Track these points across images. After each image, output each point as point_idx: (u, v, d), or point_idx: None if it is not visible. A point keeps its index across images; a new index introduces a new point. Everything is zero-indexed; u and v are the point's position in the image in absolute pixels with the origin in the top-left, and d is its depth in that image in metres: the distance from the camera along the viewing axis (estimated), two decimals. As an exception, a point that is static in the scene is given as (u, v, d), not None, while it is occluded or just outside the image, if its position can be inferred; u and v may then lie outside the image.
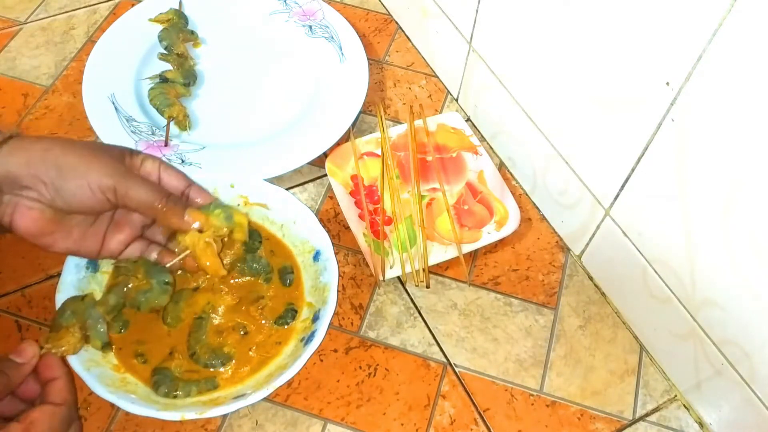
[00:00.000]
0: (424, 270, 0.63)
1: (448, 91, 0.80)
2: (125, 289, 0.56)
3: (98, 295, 0.57)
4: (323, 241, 0.60)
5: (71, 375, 0.48)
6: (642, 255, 0.59)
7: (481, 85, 0.74)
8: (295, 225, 0.62)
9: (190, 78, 0.74)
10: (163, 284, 0.56)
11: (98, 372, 0.52)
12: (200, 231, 0.52)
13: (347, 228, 0.68)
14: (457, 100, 0.79)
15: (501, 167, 0.74)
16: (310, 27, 0.81)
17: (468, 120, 0.78)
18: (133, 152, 0.52)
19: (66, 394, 0.46)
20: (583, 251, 0.67)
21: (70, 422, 0.45)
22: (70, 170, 0.46)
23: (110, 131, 0.69)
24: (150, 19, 0.78)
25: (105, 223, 0.53)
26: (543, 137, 0.66)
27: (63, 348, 0.51)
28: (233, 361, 0.56)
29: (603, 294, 0.66)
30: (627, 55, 0.52)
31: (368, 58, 0.78)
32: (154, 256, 0.55)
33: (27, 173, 0.46)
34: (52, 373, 0.47)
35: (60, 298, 0.55)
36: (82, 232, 0.51)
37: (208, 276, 0.60)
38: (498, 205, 0.68)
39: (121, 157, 0.50)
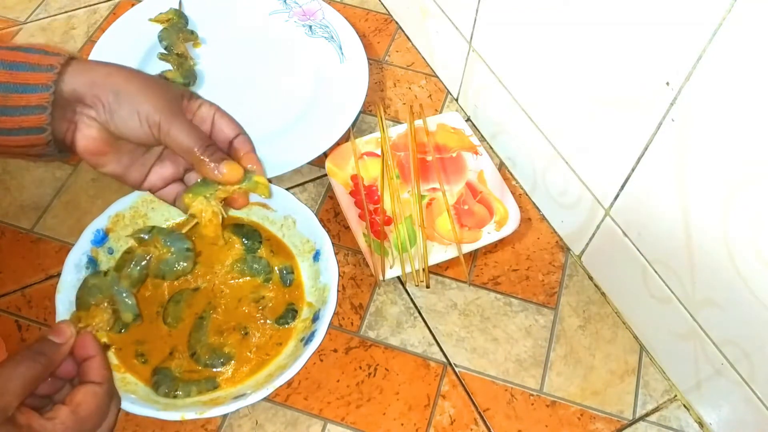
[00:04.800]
0: (424, 270, 0.63)
1: (448, 91, 0.80)
2: (147, 259, 0.55)
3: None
4: (323, 241, 0.60)
5: (105, 353, 0.49)
6: (642, 255, 0.59)
7: (481, 85, 0.74)
8: (295, 225, 0.62)
9: (190, 78, 0.74)
10: (184, 251, 0.56)
11: (98, 372, 0.52)
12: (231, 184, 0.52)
13: (347, 228, 0.68)
14: (457, 100, 0.79)
15: (501, 167, 0.74)
16: (310, 27, 0.81)
17: (468, 120, 0.78)
18: (192, 96, 0.53)
19: (105, 372, 0.47)
20: (583, 251, 0.67)
21: (111, 398, 0.46)
22: (126, 97, 0.48)
23: (110, 131, 0.69)
24: (150, 19, 0.78)
25: (154, 156, 0.54)
26: (543, 137, 0.66)
27: (98, 325, 0.51)
28: (233, 361, 0.56)
29: (603, 294, 0.66)
30: (627, 55, 0.52)
31: (368, 58, 0.78)
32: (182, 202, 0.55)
33: (90, 93, 0.48)
34: (88, 351, 0.47)
35: (60, 298, 0.55)
36: (131, 161, 0.53)
37: (208, 277, 0.60)
38: (498, 205, 0.68)
39: (180, 97, 0.51)
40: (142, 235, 0.56)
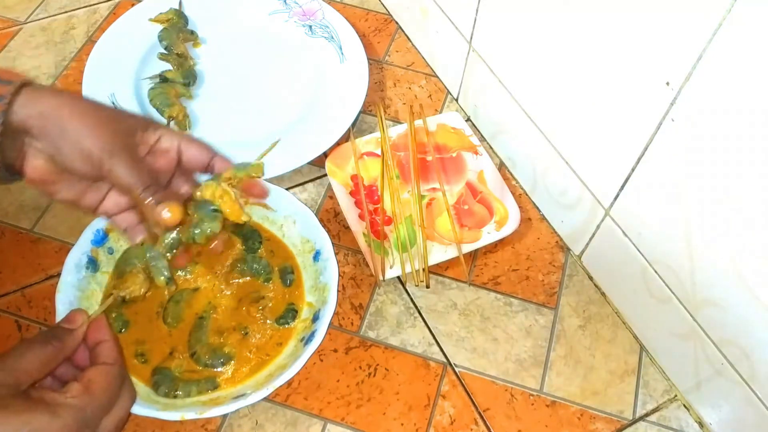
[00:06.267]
0: (424, 270, 0.63)
1: (448, 91, 0.80)
2: (179, 226, 0.55)
3: (97, 296, 0.57)
4: (323, 241, 0.60)
5: (117, 337, 0.49)
6: (642, 255, 0.59)
7: (481, 85, 0.74)
8: (295, 225, 0.62)
9: (190, 78, 0.74)
10: (211, 213, 0.56)
11: (98, 372, 0.52)
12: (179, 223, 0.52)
13: (347, 228, 0.68)
14: (457, 100, 0.79)
15: (501, 167, 0.74)
16: (310, 27, 0.81)
17: (468, 120, 0.78)
18: (150, 126, 0.52)
19: (116, 354, 0.47)
20: (583, 251, 0.67)
21: (122, 380, 0.47)
22: (69, 133, 0.47)
23: (110, 131, 0.69)
24: (150, 19, 0.78)
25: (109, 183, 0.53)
26: (543, 137, 0.66)
27: (130, 290, 0.53)
28: (233, 361, 0.56)
29: (603, 294, 0.66)
30: (627, 55, 0.52)
31: (368, 58, 0.78)
32: (138, 237, 0.54)
33: (38, 125, 0.47)
34: (101, 336, 0.48)
35: (60, 298, 0.55)
36: (84, 187, 0.52)
37: (208, 277, 0.60)
38: (498, 205, 0.68)
39: (132, 130, 0.50)
40: None
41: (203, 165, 0.53)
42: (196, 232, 0.56)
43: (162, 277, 0.54)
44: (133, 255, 0.57)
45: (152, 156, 0.52)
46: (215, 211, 0.56)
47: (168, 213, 0.50)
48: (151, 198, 0.49)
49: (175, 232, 0.56)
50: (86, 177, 0.50)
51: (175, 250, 0.56)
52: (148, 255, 0.54)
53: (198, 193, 0.56)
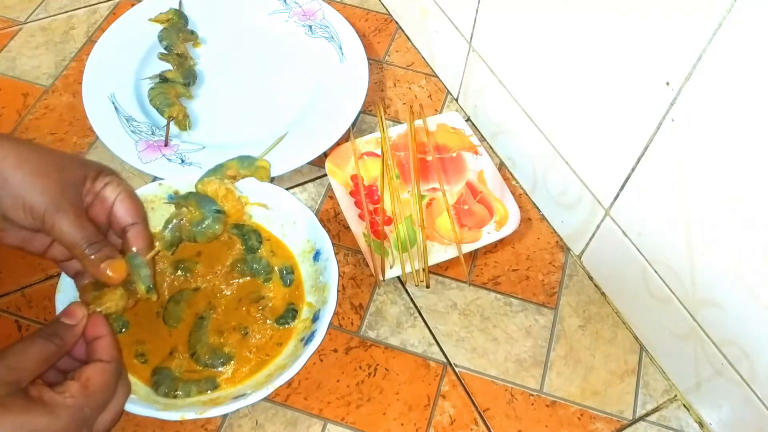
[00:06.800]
0: (424, 270, 0.63)
1: (448, 91, 0.80)
2: (180, 222, 0.56)
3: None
4: (323, 241, 0.60)
5: (114, 332, 0.49)
6: (642, 255, 0.59)
7: (481, 85, 0.74)
8: (295, 225, 0.62)
9: (190, 78, 0.74)
10: (214, 213, 0.56)
11: (98, 372, 0.52)
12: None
13: (347, 228, 0.68)
14: (457, 100, 0.79)
15: (501, 167, 0.74)
16: (310, 27, 0.81)
17: (468, 120, 0.78)
18: (101, 174, 0.51)
19: (113, 351, 0.47)
20: (583, 251, 0.67)
21: (119, 377, 0.47)
22: (12, 184, 0.47)
23: (110, 131, 0.69)
24: (150, 19, 0.78)
25: None
26: (543, 137, 0.66)
27: (106, 305, 0.51)
28: (233, 361, 0.56)
29: (603, 294, 0.66)
30: (627, 55, 0.52)
31: (368, 58, 0.78)
32: (84, 281, 0.53)
33: None
34: (99, 331, 0.48)
35: (60, 298, 0.55)
36: (31, 234, 0.51)
37: (208, 277, 0.60)
38: (498, 205, 0.68)
39: (81, 180, 0.50)
40: (179, 200, 0.57)
41: (122, 226, 0.52)
42: (197, 229, 0.56)
43: (143, 286, 0.52)
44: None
45: (97, 202, 0.51)
46: (218, 212, 0.56)
47: (111, 272, 0.49)
48: (93, 255, 0.48)
49: (175, 229, 0.56)
50: (28, 228, 0.49)
51: (174, 248, 0.56)
52: (128, 255, 0.52)
53: (199, 186, 0.55)
